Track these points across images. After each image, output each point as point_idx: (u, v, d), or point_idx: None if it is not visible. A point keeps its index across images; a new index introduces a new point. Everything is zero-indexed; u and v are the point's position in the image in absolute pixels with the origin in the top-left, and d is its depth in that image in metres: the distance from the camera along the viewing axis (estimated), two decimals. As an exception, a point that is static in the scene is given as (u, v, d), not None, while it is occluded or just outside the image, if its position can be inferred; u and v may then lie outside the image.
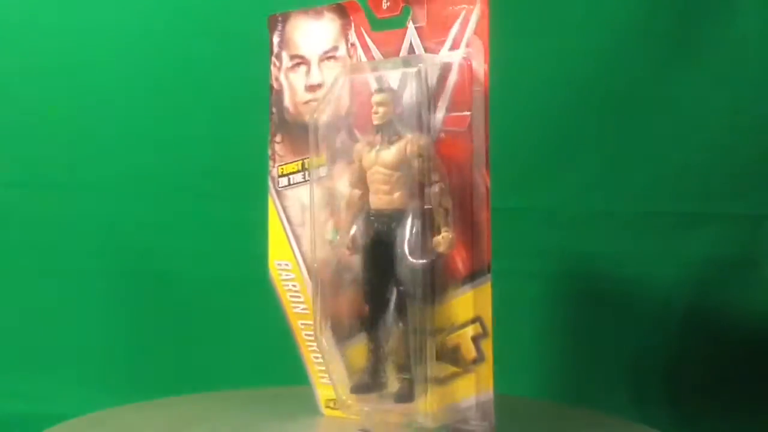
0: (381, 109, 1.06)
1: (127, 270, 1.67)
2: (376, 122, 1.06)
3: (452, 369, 1.05)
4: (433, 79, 1.06)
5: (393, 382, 1.08)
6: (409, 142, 1.05)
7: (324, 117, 1.10)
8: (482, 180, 1.06)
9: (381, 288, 1.07)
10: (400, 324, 1.07)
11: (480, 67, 1.06)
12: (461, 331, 1.05)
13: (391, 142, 1.06)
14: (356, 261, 1.08)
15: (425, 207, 1.05)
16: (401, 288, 1.06)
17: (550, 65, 1.63)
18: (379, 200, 1.06)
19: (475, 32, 1.07)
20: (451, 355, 1.05)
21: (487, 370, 1.05)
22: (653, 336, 1.68)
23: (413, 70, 1.05)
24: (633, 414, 1.54)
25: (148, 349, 1.67)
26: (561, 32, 1.63)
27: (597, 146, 1.65)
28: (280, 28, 1.17)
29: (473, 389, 1.05)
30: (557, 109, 1.64)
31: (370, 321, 1.08)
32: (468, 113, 1.06)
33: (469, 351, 1.05)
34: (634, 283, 1.66)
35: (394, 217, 1.06)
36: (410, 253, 1.05)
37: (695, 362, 1.68)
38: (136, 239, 1.66)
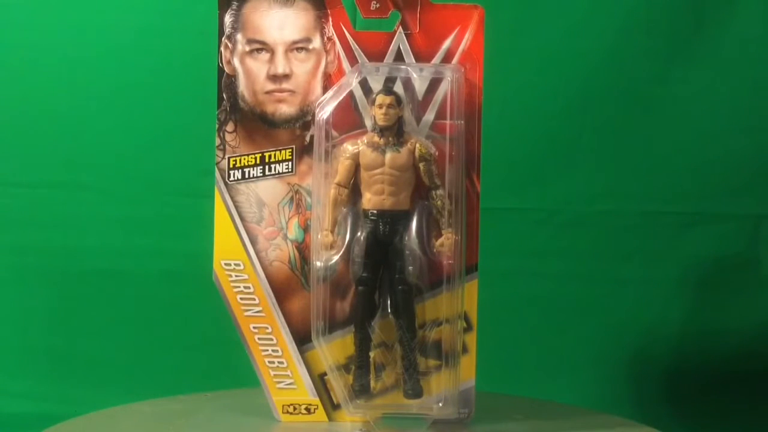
0: (391, 111, 1.06)
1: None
2: (381, 123, 1.07)
3: (436, 362, 1.09)
4: (423, 87, 1.08)
5: (389, 379, 1.09)
6: (417, 145, 1.07)
7: (291, 110, 1.10)
8: (473, 185, 1.09)
9: (379, 287, 1.08)
10: (401, 321, 1.07)
11: (474, 77, 1.08)
12: (448, 326, 1.08)
13: (400, 144, 1.07)
14: (337, 261, 1.08)
15: (431, 208, 1.08)
16: (404, 287, 1.07)
17: (551, 65, 1.63)
18: (383, 201, 1.07)
19: (470, 47, 1.09)
20: (435, 348, 1.09)
21: (470, 361, 1.10)
22: (653, 336, 1.68)
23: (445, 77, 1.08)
24: (633, 414, 1.53)
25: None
26: (561, 31, 1.63)
27: (597, 146, 1.65)
28: (234, 7, 1.10)
29: (457, 380, 1.09)
30: (557, 108, 1.64)
31: (367, 320, 1.08)
32: (460, 122, 1.08)
33: (455, 344, 1.09)
34: (634, 283, 1.66)
35: (399, 218, 1.07)
36: (420, 254, 1.07)
37: (695, 362, 1.68)
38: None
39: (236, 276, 1.11)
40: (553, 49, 1.63)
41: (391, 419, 1.09)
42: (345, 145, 1.08)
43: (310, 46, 1.10)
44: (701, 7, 1.62)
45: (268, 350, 1.11)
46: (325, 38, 1.10)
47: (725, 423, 1.64)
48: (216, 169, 1.11)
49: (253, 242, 1.11)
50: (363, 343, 1.09)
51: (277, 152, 1.11)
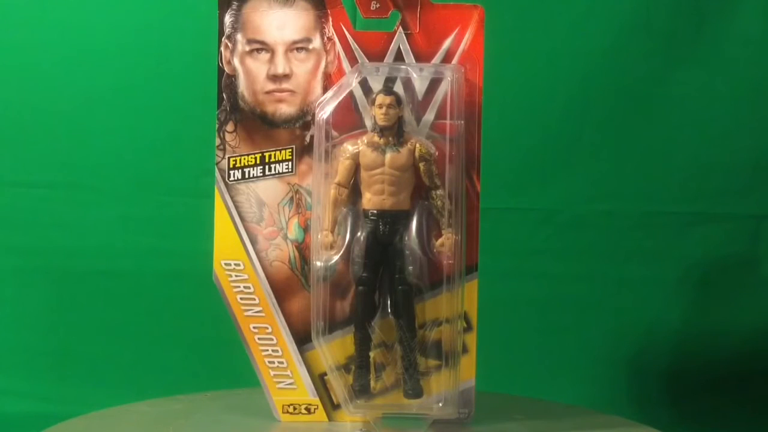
0: (391, 111, 1.06)
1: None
2: (381, 123, 1.07)
3: (436, 362, 1.09)
4: (423, 87, 1.08)
5: (389, 379, 1.09)
6: (417, 145, 1.07)
7: (291, 110, 1.10)
8: (473, 185, 1.09)
9: (379, 287, 1.08)
10: (401, 321, 1.08)
11: (474, 77, 1.08)
12: (448, 326, 1.08)
13: (400, 144, 1.07)
14: (337, 261, 1.08)
15: (431, 208, 1.08)
16: (404, 287, 1.07)
17: (551, 64, 1.63)
18: (383, 201, 1.07)
19: (470, 47, 1.09)
20: (435, 348, 1.09)
21: (470, 361, 1.10)
22: (653, 336, 1.68)
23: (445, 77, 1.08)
24: (633, 414, 1.54)
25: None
26: (561, 31, 1.63)
27: (597, 146, 1.65)
28: (234, 7, 1.10)
29: (457, 380, 1.09)
30: (557, 108, 1.64)
31: (367, 320, 1.08)
32: (460, 122, 1.08)
33: (455, 344, 1.09)
34: (634, 283, 1.66)
35: (399, 218, 1.07)
36: (420, 254, 1.07)
37: (695, 362, 1.68)
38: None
39: (236, 276, 1.11)
40: (553, 48, 1.63)
41: (391, 419, 1.09)
42: (345, 145, 1.08)
43: (310, 46, 1.10)
44: (701, 7, 1.62)
45: (268, 350, 1.11)
46: (325, 38, 1.10)
47: (725, 423, 1.65)
48: (216, 169, 1.11)
49: (253, 242, 1.11)
50: (363, 343, 1.09)
51: (277, 152, 1.11)
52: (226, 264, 1.11)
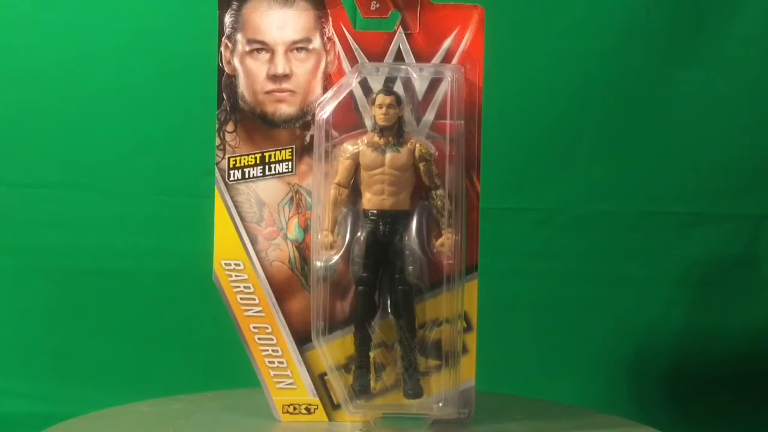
0: (391, 111, 1.06)
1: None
2: (381, 123, 1.07)
3: (436, 362, 1.09)
4: (423, 87, 1.08)
5: (389, 379, 1.09)
6: (417, 145, 1.07)
7: (291, 110, 1.10)
8: (473, 184, 1.09)
9: (379, 287, 1.08)
10: (401, 321, 1.08)
11: (474, 77, 1.09)
12: (448, 326, 1.08)
13: (400, 144, 1.07)
14: (337, 261, 1.08)
15: (431, 208, 1.08)
16: (404, 287, 1.07)
17: (551, 65, 1.63)
18: (383, 201, 1.07)
19: (470, 47, 1.09)
20: (435, 348, 1.09)
21: (470, 361, 1.10)
22: (653, 336, 1.68)
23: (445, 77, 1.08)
24: (633, 414, 1.54)
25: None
26: (561, 31, 1.63)
27: (597, 146, 1.65)
28: (234, 7, 1.10)
29: (457, 380, 1.09)
30: (557, 108, 1.64)
31: (367, 320, 1.08)
32: (460, 122, 1.08)
33: (455, 344, 1.09)
34: (634, 283, 1.66)
35: (399, 218, 1.07)
36: (420, 254, 1.07)
37: (695, 362, 1.68)
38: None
39: (236, 276, 1.11)
40: (553, 49, 1.63)
41: (391, 419, 1.09)
42: (345, 145, 1.08)
43: (310, 46, 1.10)
44: (702, 6, 1.62)
45: (268, 350, 1.11)
46: (325, 38, 1.10)
47: (725, 423, 1.65)
48: (216, 169, 1.11)
49: (253, 242, 1.11)
50: (363, 343, 1.09)
51: (277, 152, 1.11)
52: (226, 264, 1.11)
